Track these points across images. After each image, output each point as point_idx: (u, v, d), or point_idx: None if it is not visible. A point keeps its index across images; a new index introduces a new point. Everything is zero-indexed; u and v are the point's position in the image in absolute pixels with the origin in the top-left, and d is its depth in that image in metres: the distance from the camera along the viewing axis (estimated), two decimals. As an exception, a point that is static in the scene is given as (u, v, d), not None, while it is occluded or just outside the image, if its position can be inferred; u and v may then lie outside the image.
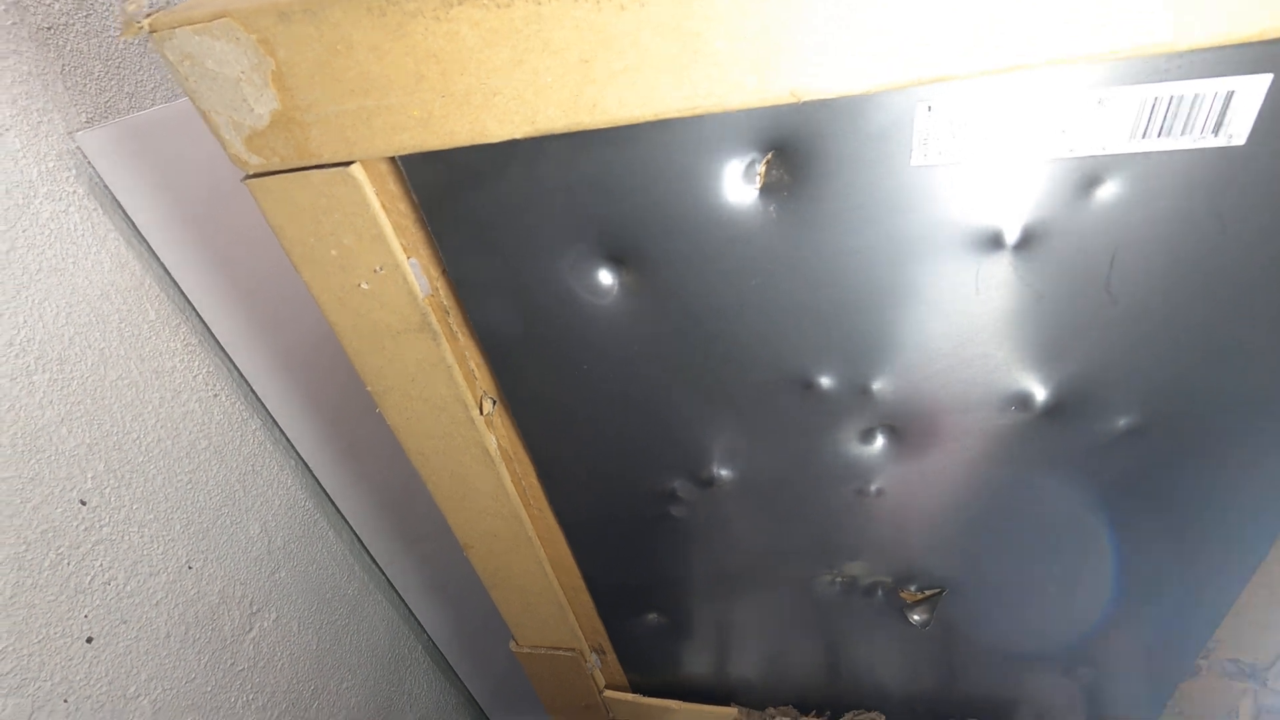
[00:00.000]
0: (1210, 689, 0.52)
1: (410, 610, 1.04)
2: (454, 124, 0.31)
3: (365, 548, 0.95)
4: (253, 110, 0.32)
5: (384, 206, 0.36)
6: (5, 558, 0.53)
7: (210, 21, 0.30)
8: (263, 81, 0.31)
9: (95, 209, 0.62)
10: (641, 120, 0.30)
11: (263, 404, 0.78)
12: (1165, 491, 0.40)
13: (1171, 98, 0.27)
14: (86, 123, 0.61)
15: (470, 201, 0.35)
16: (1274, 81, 0.26)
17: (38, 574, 0.55)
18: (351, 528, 0.93)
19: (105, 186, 0.62)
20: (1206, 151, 0.28)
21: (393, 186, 0.36)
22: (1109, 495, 0.41)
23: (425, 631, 1.07)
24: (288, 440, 0.82)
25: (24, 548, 0.55)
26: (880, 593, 0.52)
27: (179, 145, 0.64)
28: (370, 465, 0.90)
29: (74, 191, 0.60)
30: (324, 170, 0.34)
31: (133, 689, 0.63)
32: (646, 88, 0.29)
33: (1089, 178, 0.29)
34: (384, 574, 0.99)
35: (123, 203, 0.63)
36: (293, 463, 0.84)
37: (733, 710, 0.67)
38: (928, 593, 0.51)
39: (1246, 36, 0.24)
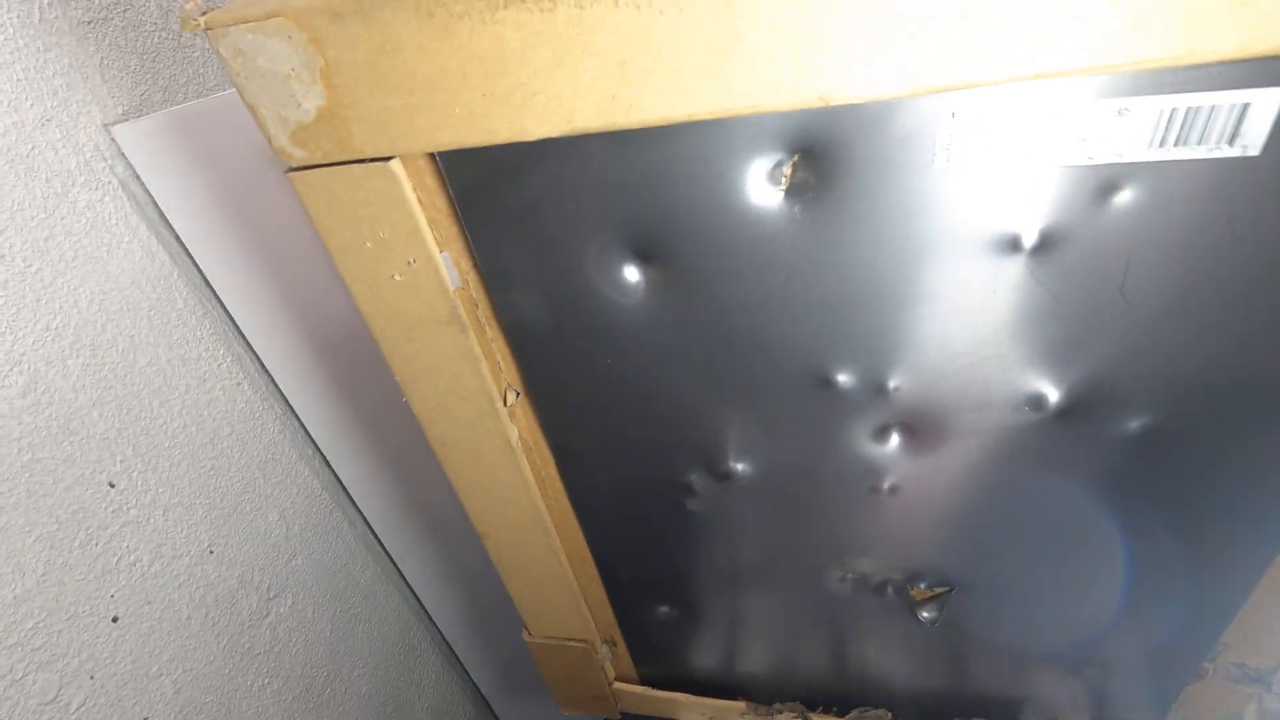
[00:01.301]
0: (1216, 692, 0.52)
1: (420, 602, 1.05)
2: (494, 122, 0.32)
3: (378, 539, 0.97)
4: (300, 106, 0.34)
5: (420, 201, 0.37)
6: (38, 536, 0.55)
7: (265, 20, 0.31)
8: (311, 78, 0.32)
9: (127, 200, 0.63)
10: (675, 121, 0.31)
11: (282, 394, 0.80)
12: (1175, 494, 0.41)
13: (1189, 109, 0.28)
14: (122, 115, 0.63)
15: (504, 196, 0.36)
16: (1289, 94, 0.27)
17: (68, 553, 0.57)
18: (365, 519, 0.94)
19: (138, 178, 0.64)
20: (1222, 161, 0.29)
21: (429, 181, 0.37)
22: (1119, 497, 0.42)
23: (434, 623, 1.09)
24: (305, 431, 0.83)
25: (56, 526, 0.56)
26: (890, 590, 0.53)
27: (209, 140, 0.66)
28: (385, 457, 0.91)
29: (109, 182, 0.62)
30: (365, 165, 0.36)
31: (155, 668, 0.64)
32: (682, 90, 0.30)
33: (1106, 185, 0.30)
34: (395, 565, 1.01)
35: (154, 194, 0.64)
36: (310, 453, 0.85)
37: (740, 705, 0.68)
38: (936, 590, 0.52)
39: (1262, 52, 0.25)
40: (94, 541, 0.59)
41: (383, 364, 0.81)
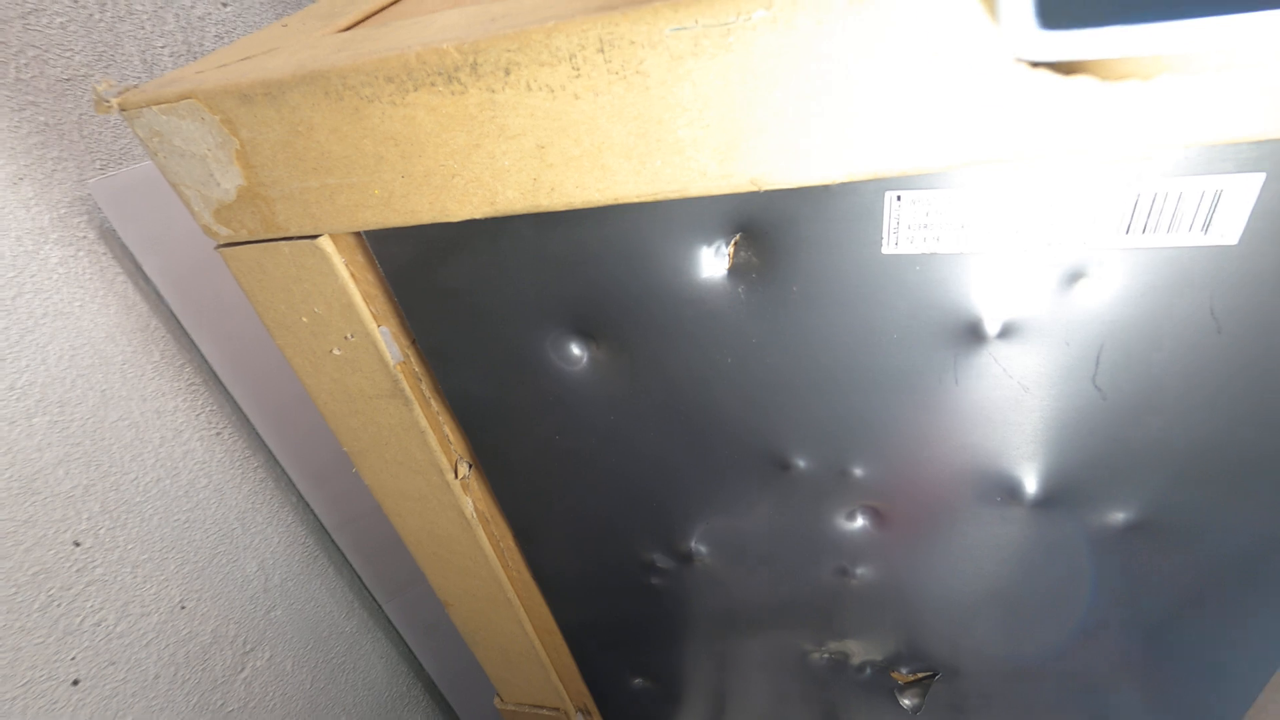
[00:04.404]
0: (1231, 792, 0.48)
1: (409, 648, 1.03)
2: (415, 203, 0.31)
3: (365, 585, 0.95)
4: (219, 185, 0.32)
5: (353, 276, 0.36)
6: (-6, 600, 0.54)
7: (176, 102, 0.30)
8: (228, 159, 0.31)
9: (104, 253, 0.63)
10: (600, 204, 0.29)
11: (263, 442, 0.79)
12: (1171, 588, 0.38)
13: (1157, 194, 0.25)
14: (100, 169, 0.63)
15: (436, 275, 0.35)
16: (1266, 181, 0.24)
17: (26, 617, 0.56)
18: (351, 565, 0.92)
19: (114, 231, 0.63)
20: (1199, 249, 0.26)
21: (361, 258, 0.36)
22: (1110, 589, 0.38)
23: (424, 670, 1.06)
24: (289, 478, 0.82)
25: (14, 590, 0.55)
26: (869, 671, 0.49)
27: (188, 191, 0.66)
28: (372, 503, 0.89)
29: (84, 236, 0.62)
30: (292, 242, 0.34)
31: (117, 732, 0.63)
32: (605, 173, 0.28)
33: (1073, 272, 0.28)
34: (383, 612, 0.99)
35: (131, 247, 0.64)
36: (294, 499, 0.84)
37: (723, 780, 0.64)
38: (919, 675, 0.48)
39: (1239, 138, 0.22)
40: (55, 603, 0.58)
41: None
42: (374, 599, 0.97)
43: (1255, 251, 0.25)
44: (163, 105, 0.30)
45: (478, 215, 0.30)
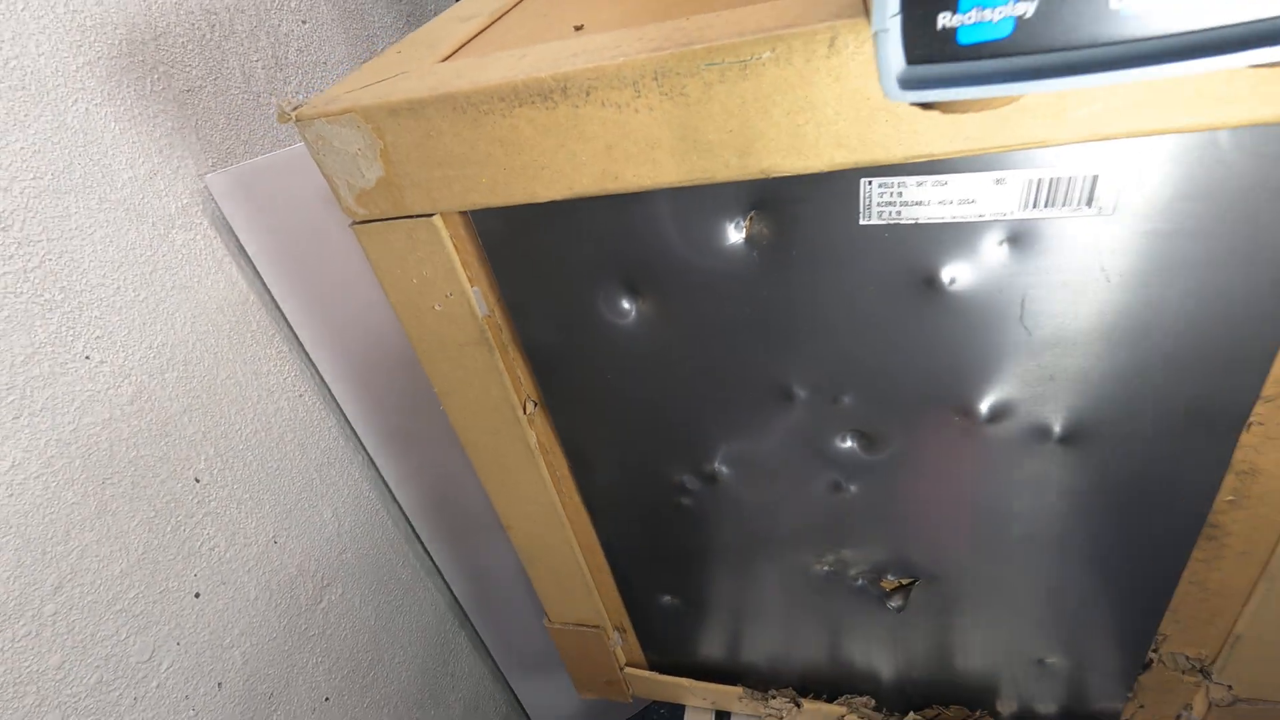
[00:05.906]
0: (1165, 682, 0.58)
1: (455, 598, 1.14)
2: (512, 189, 0.41)
3: (419, 538, 1.06)
4: (363, 176, 0.43)
5: (455, 247, 0.47)
6: (139, 521, 0.65)
7: (340, 114, 0.41)
8: (373, 156, 0.42)
9: (215, 237, 0.75)
10: (651, 188, 0.39)
11: (338, 406, 0.90)
12: (1093, 492, 0.47)
13: (1051, 179, 0.35)
14: (212, 166, 0.74)
15: (522, 244, 0.45)
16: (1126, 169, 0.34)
17: (162, 536, 0.67)
18: (408, 519, 1.04)
19: (224, 218, 0.75)
20: (1088, 219, 0.36)
21: (463, 232, 0.46)
22: (1049, 496, 0.48)
23: (469, 619, 1.18)
24: (357, 438, 0.94)
25: (153, 513, 0.67)
26: (862, 581, 0.59)
27: (281, 186, 0.77)
28: (426, 466, 1.01)
29: (200, 223, 0.73)
30: (412, 219, 0.45)
31: (228, 640, 0.74)
32: (655, 165, 0.38)
33: (999, 236, 0.38)
34: (434, 564, 1.10)
35: (236, 232, 0.76)
36: (361, 458, 0.96)
37: (738, 690, 0.74)
38: (903, 581, 0.58)
39: (1100, 136, 0.32)
40: (183, 528, 0.70)
41: (425, 383, 0.91)
42: (427, 552, 1.09)
43: (1127, 220, 0.35)
44: (329, 117, 0.41)
45: (558, 198, 0.41)
